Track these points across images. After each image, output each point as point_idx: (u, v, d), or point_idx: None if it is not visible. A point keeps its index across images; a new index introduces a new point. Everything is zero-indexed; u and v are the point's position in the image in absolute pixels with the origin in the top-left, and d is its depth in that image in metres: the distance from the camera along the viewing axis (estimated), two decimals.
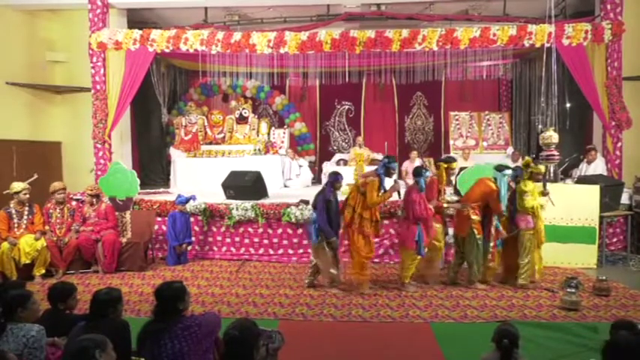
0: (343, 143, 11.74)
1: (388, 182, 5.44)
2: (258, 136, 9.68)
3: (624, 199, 7.18)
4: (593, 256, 6.49)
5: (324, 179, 9.79)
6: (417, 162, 9.35)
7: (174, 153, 9.57)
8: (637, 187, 7.30)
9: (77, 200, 7.12)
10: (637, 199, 7.22)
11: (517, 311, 4.83)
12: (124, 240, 6.60)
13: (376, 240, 6.07)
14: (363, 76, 10.84)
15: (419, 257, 5.43)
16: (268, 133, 9.93)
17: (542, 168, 5.47)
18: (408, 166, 9.37)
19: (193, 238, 7.10)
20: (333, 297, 5.32)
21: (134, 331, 2.82)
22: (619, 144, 7.82)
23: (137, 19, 9.35)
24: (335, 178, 5.50)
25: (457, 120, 10.37)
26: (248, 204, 7.08)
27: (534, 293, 5.37)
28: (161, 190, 9.02)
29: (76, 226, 6.48)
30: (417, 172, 5.46)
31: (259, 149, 9.31)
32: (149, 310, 2.98)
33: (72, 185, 7.56)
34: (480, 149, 9.97)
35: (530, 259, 5.52)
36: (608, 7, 7.83)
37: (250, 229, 7.12)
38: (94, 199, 6.71)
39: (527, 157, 6.11)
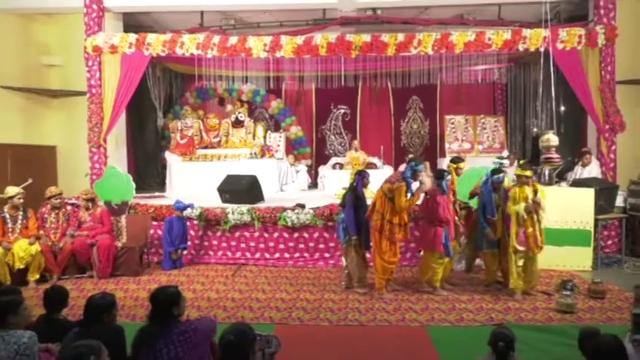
0: (339, 147, 11.74)
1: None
2: (254, 140, 9.68)
3: (619, 201, 7.20)
4: (589, 259, 6.50)
5: (320, 183, 9.88)
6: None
7: (170, 157, 9.54)
8: (631, 190, 7.35)
9: (72, 205, 7.09)
10: (631, 202, 7.25)
11: (513, 314, 4.83)
12: (119, 244, 6.57)
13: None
14: (358, 80, 10.85)
15: (446, 259, 5.46)
16: (264, 137, 9.92)
17: (528, 172, 5.31)
18: (404, 168, 9.37)
19: (189, 243, 7.07)
20: (329, 301, 5.30)
21: (129, 337, 2.80)
22: (613, 147, 7.87)
23: (133, 23, 9.34)
24: (364, 174, 5.61)
25: (453, 123, 10.40)
26: (244, 208, 7.06)
27: (530, 296, 5.37)
28: (157, 194, 8.98)
29: (71, 230, 6.44)
30: (439, 175, 5.51)
31: (255, 153, 9.30)
32: (144, 315, 2.96)
33: (67, 189, 7.52)
34: (475, 153, 10.00)
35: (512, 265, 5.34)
36: (602, 11, 7.90)
37: (246, 234, 7.10)
38: (90, 204, 6.67)
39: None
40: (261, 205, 7.32)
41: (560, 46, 7.67)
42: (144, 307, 4.95)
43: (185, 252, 7.00)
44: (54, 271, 6.25)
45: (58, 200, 6.50)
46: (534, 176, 5.72)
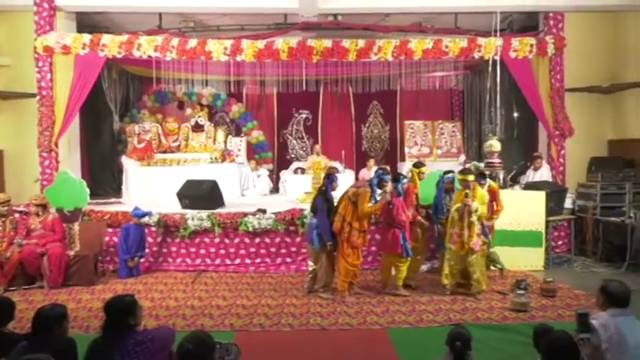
0: (301, 151, 11.75)
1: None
2: (214, 144, 9.56)
3: (567, 203, 7.55)
4: (541, 259, 6.77)
5: (282, 188, 9.85)
6: (374, 170, 9.46)
7: (127, 162, 9.28)
8: (579, 193, 7.71)
9: (20, 212, 6.75)
10: (579, 204, 7.62)
11: (470, 314, 4.97)
12: (71, 253, 6.31)
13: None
14: (320, 85, 10.90)
15: (409, 259, 5.60)
16: (225, 142, 9.83)
17: (470, 177, 5.53)
18: (365, 174, 9.48)
19: (147, 250, 6.88)
20: (291, 306, 5.29)
21: (82, 349, 2.69)
22: (562, 152, 8.25)
23: (89, 23, 9.02)
24: (333, 178, 5.62)
25: (412, 129, 10.60)
26: (204, 213, 6.95)
27: (487, 296, 5.54)
28: (112, 200, 8.72)
29: (19, 239, 6.11)
30: (395, 178, 5.64)
31: (216, 158, 9.20)
32: (99, 326, 2.86)
33: (15, 196, 7.16)
34: (434, 157, 10.23)
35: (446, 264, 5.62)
36: (551, 22, 8.28)
37: (206, 240, 6.99)
38: (40, 210, 6.37)
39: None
40: (221, 211, 7.24)
41: (512, 54, 7.98)
42: (98, 317, 4.77)
43: (142, 259, 6.81)
44: (0, 283, 5.93)
45: (6, 208, 6.18)
46: (484, 179, 5.95)
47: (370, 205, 5.28)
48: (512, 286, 5.62)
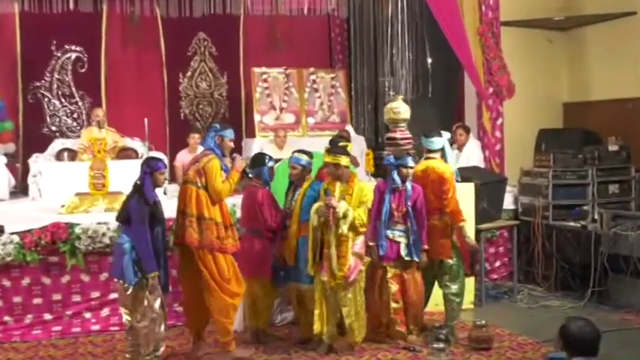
0: (68, 120, 11.37)
1: None
2: None
3: (508, 202, 8.23)
4: (470, 291, 7.26)
5: (34, 187, 9.39)
6: (200, 150, 9.44)
7: None
8: (523, 185, 8.41)
9: None
10: (524, 203, 8.33)
11: None
12: None
13: None
14: (101, 1, 10.59)
15: (278, 290, 6.01)
16: None
17: (343, 159, 5.69)
18: (185, 158, 9.41)
19: None
20: None
21: None
22: (499, 120, 8.95)
23: None
24: (156, 166, 5.52)
25: (265, 81, 10.75)
26: None
27: (388, 356, 5.85)
28: None
29: None
30: (258, 161, 5.95)
31: None
32: None
33: None
34: (302, 130, 10.49)
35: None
36: None
37: None
38: None
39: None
40: None
41: None
42: None
43: None
44: None
45: None
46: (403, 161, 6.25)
47: (223, 179, 5.42)
48: (427, 337, 6.01)
